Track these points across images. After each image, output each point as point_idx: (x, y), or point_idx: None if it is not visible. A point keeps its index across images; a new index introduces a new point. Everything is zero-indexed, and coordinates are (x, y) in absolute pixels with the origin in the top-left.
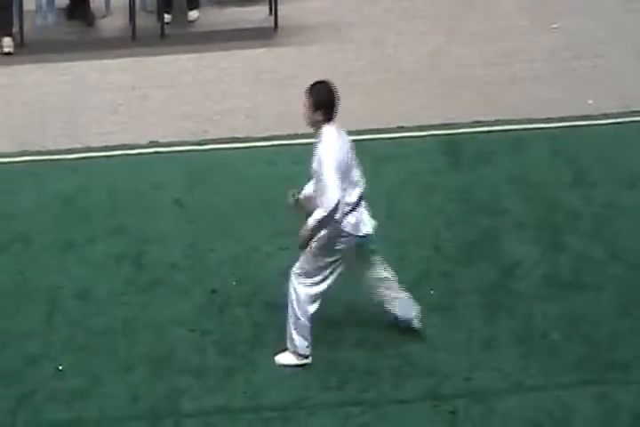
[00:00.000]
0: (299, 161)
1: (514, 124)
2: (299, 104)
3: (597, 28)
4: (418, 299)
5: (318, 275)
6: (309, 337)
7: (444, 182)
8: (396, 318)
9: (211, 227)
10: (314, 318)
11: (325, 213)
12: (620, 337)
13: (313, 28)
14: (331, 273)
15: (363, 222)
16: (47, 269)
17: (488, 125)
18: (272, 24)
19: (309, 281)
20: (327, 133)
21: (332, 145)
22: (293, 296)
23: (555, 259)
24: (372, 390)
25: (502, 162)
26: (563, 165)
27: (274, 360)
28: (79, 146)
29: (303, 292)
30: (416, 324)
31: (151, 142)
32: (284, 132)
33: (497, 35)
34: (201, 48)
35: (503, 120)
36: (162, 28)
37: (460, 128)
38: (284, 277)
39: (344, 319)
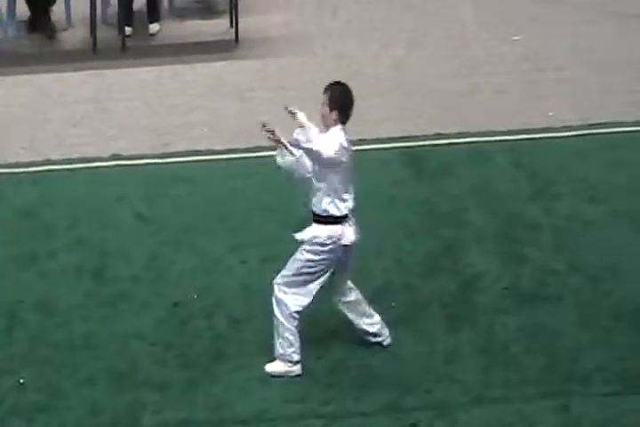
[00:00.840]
0: (259, 174)
1: (475, 136)
2: (260, 116)
3: (558, 41)
4: (380, 312)
5: (301, 284)
6: (297, 344)
7: (406, 194)
8: (366, 334)
9: (172, 240)
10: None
11: (313, 148)
12: (581, 349)
13: (274, 40)
14: (314, 282)
15: (349, 233)
16: (7, 283)
17: (450, 137)
18: (233, 37)
19: (292, 290)
20: (335, 131)
21: (336, 145)
22: (275, 304)
23: (516, 271)
24: (334, 403)
25: (464, 174)
26: (524, 178)
27: (235, 374)
28: (40, 159)
29: (285, 299)
30: (387, 341)
31: (113, 155)
32: (246, 146)
33: (458, 47)
34: (162, 61)
35: (465, 132)
36: (123, 40)
37: (421, 140)
38: (245, 289)
39: (304, 332)
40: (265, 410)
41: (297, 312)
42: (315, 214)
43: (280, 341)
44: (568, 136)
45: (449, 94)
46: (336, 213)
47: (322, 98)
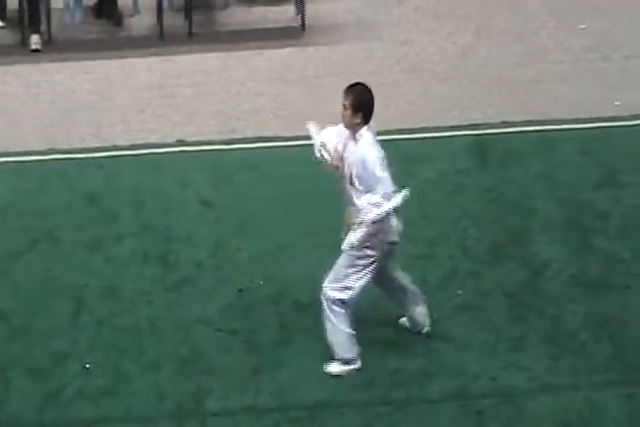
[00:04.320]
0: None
1: (542, 124)
2: (326, 103)
3: (625, 30)
4: (445, 299)
5: (351, 281)
6: (353, 344)
7: (473, 183)
8: (410, 322)
9: (237, 226)
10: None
11: (374, 214)
12: None
13: (340, 27)
14: (363, 278)
15: (394, 229)
16: (74, 268)
17: (516, 126)
18: (299, 23)
19: (340, 285)
20: (366, 136)
21: (372, 145)
22: (326, 306)
23: (583, 259)
24: (400, 390)
25: (531, 162)
26: (591, 166)
27: (301, 360)
28: (106, 144)
29: (336, 298)
30: (426, 329)
31: (178, 141)
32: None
33: (524, 35)
34: (228, 47)
35: (531, 121)
36: (190, 26)
37: (487, 128)
38: (311, 276)
39: (370, 319)
40: (331, 397)
41: (344, 304)
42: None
43: (335, 344)
44: (635, 125)
45: (515, 82)
46: (379, 211)
47: (342, 100)
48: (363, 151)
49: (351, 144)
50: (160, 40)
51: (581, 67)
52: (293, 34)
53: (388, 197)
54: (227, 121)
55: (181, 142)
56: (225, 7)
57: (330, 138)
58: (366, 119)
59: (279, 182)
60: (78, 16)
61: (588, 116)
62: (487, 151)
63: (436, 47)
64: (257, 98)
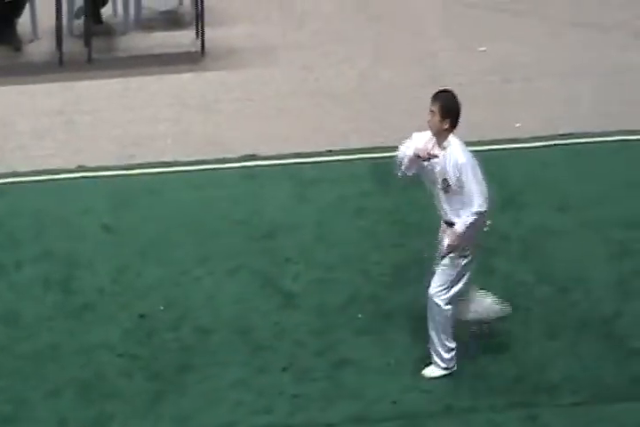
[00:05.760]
0: (225, 186)
1: None
2: (226, 128)
3: (524, 52)
4: (346, 323)
5: (456, 282)
6: (453, 352)
7: (374, 205)
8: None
9: (138, 251)
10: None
11: (473, 218)
12: (549, 359)
13: (240, 52)
14: (465, 275)
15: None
16: None
17: None
18: (199, 48)
19: (449, 293)
20: (455, 143)
21: (465, 151)
22: (436, 315)
23: (485, 281)
24: (300, 414)
25: None
26: (492, 188)
27: (202, 385)
28: (6, 171)
29: (446, 309)
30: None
31: (78, 167)
32: (211, 157)
33: (424, 58)
34: (128, 73)
35: None
36: (89, 52)
37: (389, 151)
38: (211, 301)
39: (272, 344)
40: (232, 422)
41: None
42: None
43: (440, 352)
44: (536, 147)
45: (416, 105)
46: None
47: (430, 106)
48: (457, 156)
49: (437, 150)
50: (60, 66)
51: (482, 89)
52: (193, 59)
53: (484, 200)
54: (126, 146)
55: (82, 168)
56: (124, 33)
57: (418, 140)
58: (453, 125)
59: (179, 207)
60: None
61: (489, 139)
62: (389, 174)
63: (334, 71)
64: (156, 123)
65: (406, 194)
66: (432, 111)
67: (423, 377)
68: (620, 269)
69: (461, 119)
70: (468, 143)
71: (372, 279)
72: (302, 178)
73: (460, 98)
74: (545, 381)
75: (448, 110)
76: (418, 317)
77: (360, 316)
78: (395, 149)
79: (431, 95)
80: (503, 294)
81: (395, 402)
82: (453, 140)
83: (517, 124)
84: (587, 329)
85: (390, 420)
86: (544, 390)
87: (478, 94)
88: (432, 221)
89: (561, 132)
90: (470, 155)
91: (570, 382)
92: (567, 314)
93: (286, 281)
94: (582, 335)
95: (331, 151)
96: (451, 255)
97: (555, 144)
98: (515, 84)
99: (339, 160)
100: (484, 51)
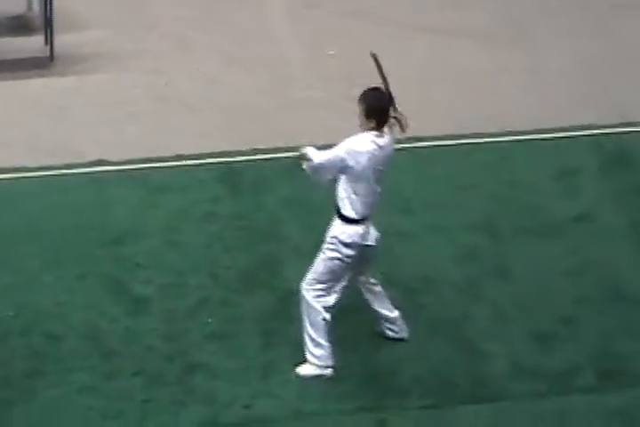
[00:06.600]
0: (74, 191)
1: (291, 151)
2: (75, 133)
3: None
4: (196, 327)
5: (326, 285)
6: (327, 347)
7: (224, 210)
8: (389, 330)
9: None
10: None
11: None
12: (398, 363)
13: (90, 57)
14: (338, 283)
15: (369, 234)
16: None
17: (266, 153)
18: (48, 54)
19: (318, 293)
20: (362, 136)
21: (355, 143)
22: (304, 308)
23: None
24: (151, 419)
25: (280, 189)
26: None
27: (53, 391)
28: None
29: (314, 302)
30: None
31: None
32: (61, 163)
33: (273, 62)
34: None
35: (281, 147)
36: None
37: (237, 156)
38: (60, 307)
39: (122, 349)
40: None
41: (326, 311)
42: (338, 213)
43: (308, 344)
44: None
45: (264, 109)
46: (353, 215)
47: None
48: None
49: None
50: None
51: (331, 92)
52: (42, 64)
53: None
54: None
55: None
56: None
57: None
58: (380, 124)
59: (27, 213)
60: None
61: (337, 142)
62: (238, 178)
63: (183, 76)
64: (5, 129)
65: (255, 199)
66: (359, 111)
67: (272, 382)
68: (467, 272)
69: (311, 123)
70: (320, 146)
71: (221, 284)
72: (151, 183)
73: (309, 102)
74: (394, 384)
75: (371, 110)
76: (267, 320)
77: (210, 320)
78: (243, 153)
79: (281, 100)
80: (351, 296)
81: (246, 406)
82: (362, 135)
83: None
84: (436, 331)
85: (242, 425)
86: (393, 394)
87: (328, 98)
88: (280, 226)
89: (409, 136)
90: (356, 149)
91: (419, 384)
92: (415, 317)
93: (136, 286)
94: (431, 338)
95: (180, 156)
96: (326, 247)
97: (402, 148)
98: (364, 87)
99: (188, 165)
100: (333, 54)
